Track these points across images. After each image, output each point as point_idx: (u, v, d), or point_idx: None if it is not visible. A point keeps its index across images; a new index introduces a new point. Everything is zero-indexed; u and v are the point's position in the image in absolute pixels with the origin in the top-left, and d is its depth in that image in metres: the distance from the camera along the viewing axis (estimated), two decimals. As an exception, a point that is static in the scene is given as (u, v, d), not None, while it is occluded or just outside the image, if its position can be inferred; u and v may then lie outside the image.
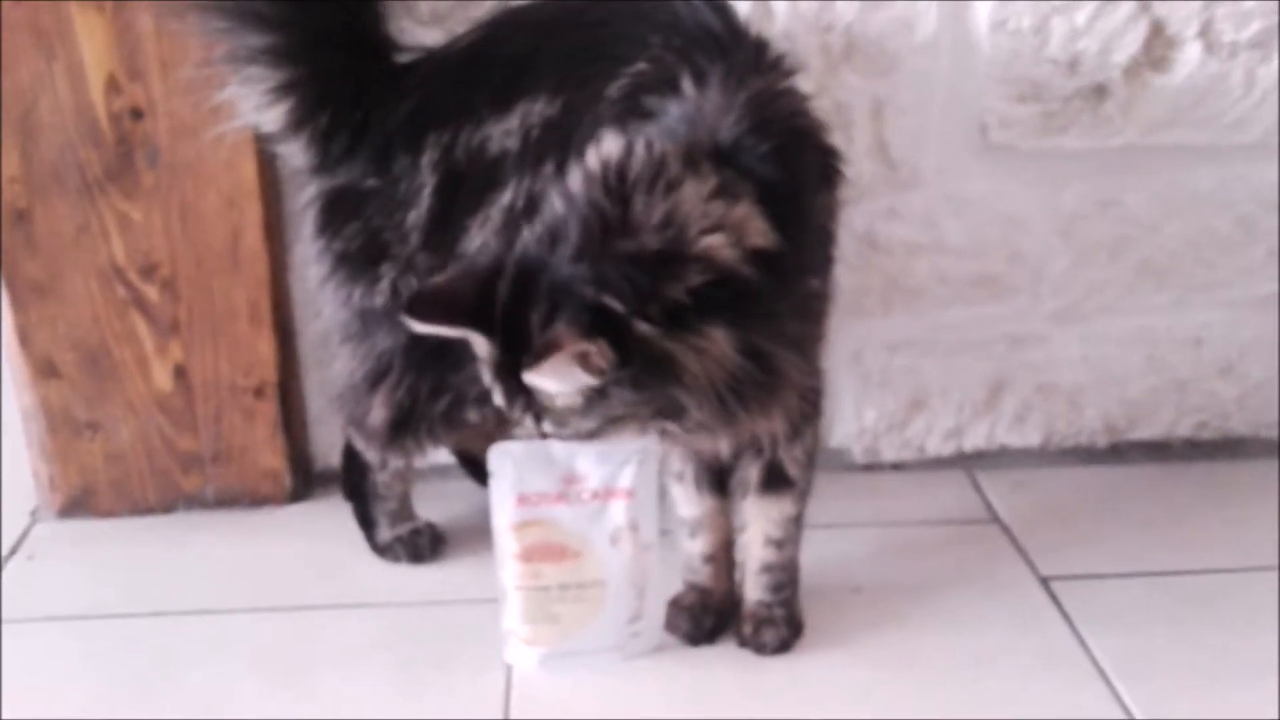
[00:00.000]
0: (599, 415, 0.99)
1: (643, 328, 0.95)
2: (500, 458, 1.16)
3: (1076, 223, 1.49)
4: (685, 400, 0.98)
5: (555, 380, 0.96)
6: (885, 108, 1.41)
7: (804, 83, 1.18)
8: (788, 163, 1.07)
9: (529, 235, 1.00)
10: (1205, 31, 1.40)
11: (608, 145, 1.01)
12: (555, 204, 1.00)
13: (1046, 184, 1.47)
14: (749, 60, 1.12)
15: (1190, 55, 1.41)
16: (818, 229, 1.14)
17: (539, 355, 0.93)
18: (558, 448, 1.15)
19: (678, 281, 0.95)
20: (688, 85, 1.08)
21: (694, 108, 1.07)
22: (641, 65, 1.13)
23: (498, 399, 1.04)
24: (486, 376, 1.04)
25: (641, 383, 0.96)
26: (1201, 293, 1.54)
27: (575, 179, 1.00)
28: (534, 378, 0.96)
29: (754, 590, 1.24)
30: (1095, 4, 1.37)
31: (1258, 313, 1.56)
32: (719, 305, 0.97)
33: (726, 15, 1.16)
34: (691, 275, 0.96)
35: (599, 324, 0.94)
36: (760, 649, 1.23)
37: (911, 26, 1.38)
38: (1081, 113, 1.42)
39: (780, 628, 1.23)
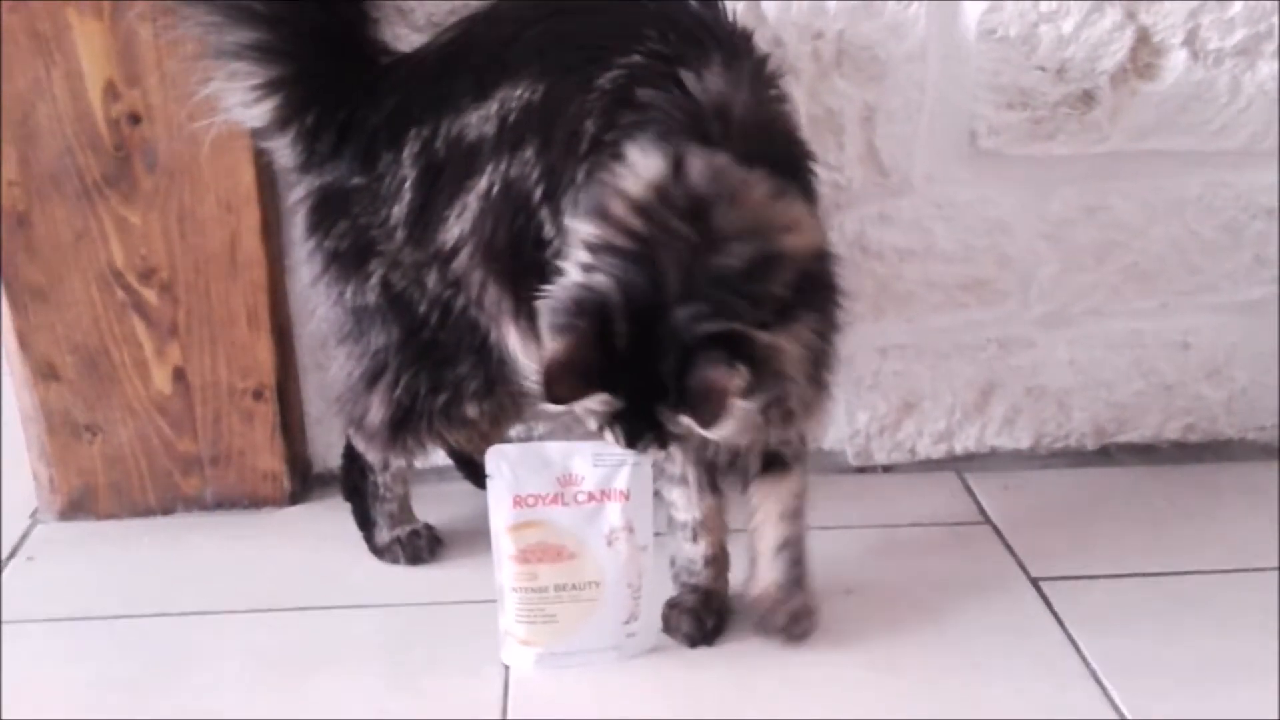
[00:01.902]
0: (732, 425, 1.00)
1: (764, 337, 0.98)
2: (496, 460, 1.17)
3: (1064, 228, 1.51)
4: (791, 388, 1.02)
5: (731, 423, 0.98)
6: (876, 114, 1.43)
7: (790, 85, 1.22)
8: (795, 165, 1.11)
9: (612, 282, 0.99)
10: (1191, 39, 1.42)
11: (650, 163, 1.02)
12: (618, 240, 1.00)
13: (1034, 189, 1.49)
14: (748, 59, 1.14)
15: (1176, 63, 1.43)
16: None
17: (712, 410, 0.96)
18: (554, 450, 1.16)
19: (776, 281, 1.00)
20: (694, 82, 1.09)
21: (708, 106, 1.08)
22: (636, 57, 1.13)
23: (617, 441, 1.05)
24: (594, 423, 1.04)
25: (766, 383, 0.99)
26: (1188, 297, 1.56)
27: (619, 206, 1.01)
28: (715, 431, 0.98)
29: (770, 572, 1.24)
30: (1082, 12, 1.39)
31: (1244, 317, 1.58)
32: (801, 294, 1.02)
33: (716, 10, 1.18)
34: (786, 272, 1.00)
35: (733, 351, 0.96)
36: (800, 638, 1.23)
37: (901, 34, 1.39)
38: (1069, 119, 1.44)
39: (812, 614, 1.24)
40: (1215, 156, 1.49)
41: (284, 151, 1.25)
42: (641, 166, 1.03)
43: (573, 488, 1.17)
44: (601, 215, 1.02)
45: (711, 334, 0.97)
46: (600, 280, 1.00)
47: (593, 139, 1.13)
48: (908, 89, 1.42)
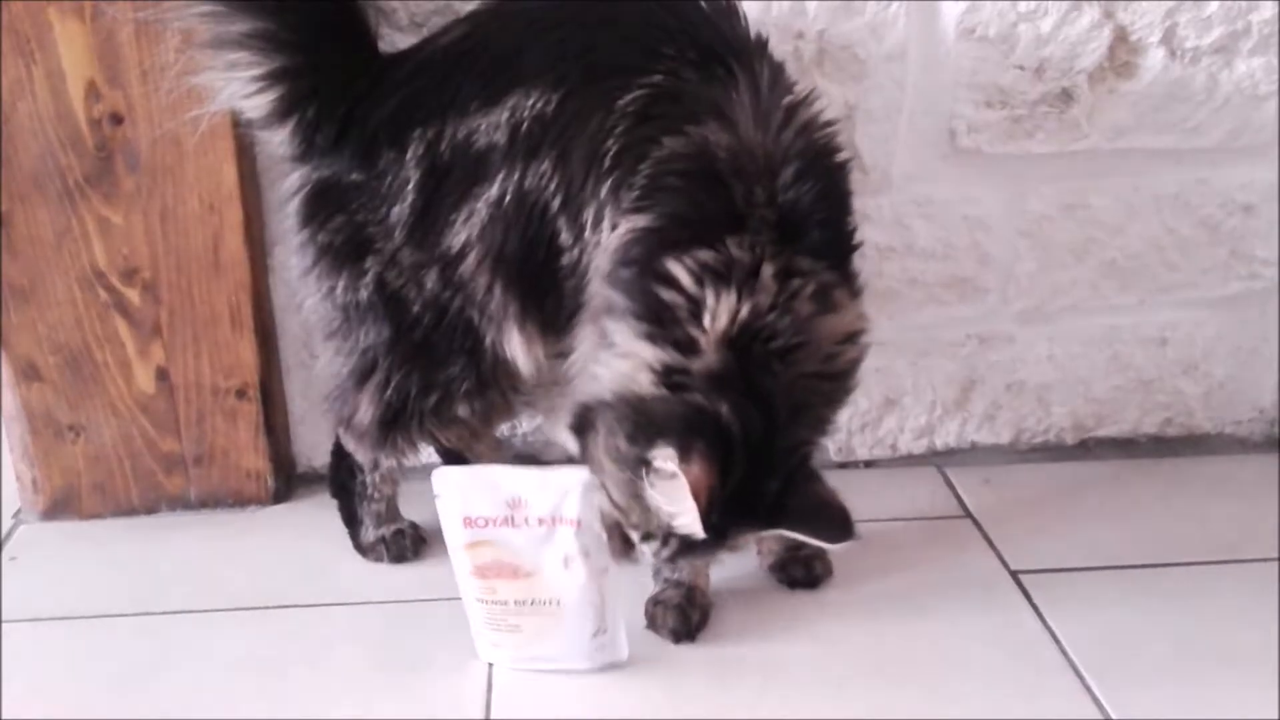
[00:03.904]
0: None
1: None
2: (443, 481, 1.15)
3: (1043, 225, 1.52)
4: None
5: None
6: (856, 113, 1.43)
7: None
8: (840, 228, 1.16)
9: (733, 417, 1.04)
10: (1168, 38, 1.43)
11: (726, 303, 1.06)
12: (721, 370, 1.05)
13: (1013, 187, 1.50)
14: (771, 72, 1.15)
15: (1153, 61, 1.44)
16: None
17: (847, 526, 1.09)
18: (500, 474, 1.15)
19: (842, 402, 1.15)
20: (715, 133, 1.10)
21: (749, 166, 1.10)
22: (656, 77, 1.13)
23: (664, 553, 1.11)
24: (654, 545, 1.11)
25: None
26: (1165, 293, 1.57)
27: (707, 341, 1.06)
28: (843, 545, 1.10)
29: (778, 541, 1.33)
30: (1060, 11, 1.40)
31: (1221, 312, 1.59)
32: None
33: (737, 23, 1.18)
34: (849, 387, 1.14)
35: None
36: (821, 578, 1.35)
37: (881, 34, 1.40)
38: (1048, 117, 1.45)
39: (824, 556, 1.34)
40: (1192, 154, 1.50)
41: (280, 142, 1.23)
42: (715, 300, 1.06)
43: (522, 511, 1.15)
44: (685, 347, 1.07)
45: (805, 455, 1.11)
46: (707, 405, 1.04)
47: (615, 157, 1.13)
48: (888, 88, 1.43)
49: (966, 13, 1.40)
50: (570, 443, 1.14)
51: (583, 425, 1.11)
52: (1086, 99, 1.45)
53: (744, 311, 1.06)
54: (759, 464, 1.05)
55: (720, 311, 1.06)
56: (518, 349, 1.23)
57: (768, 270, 1.07)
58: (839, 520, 1.09)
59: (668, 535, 1.09)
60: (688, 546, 1.09)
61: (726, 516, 1.05)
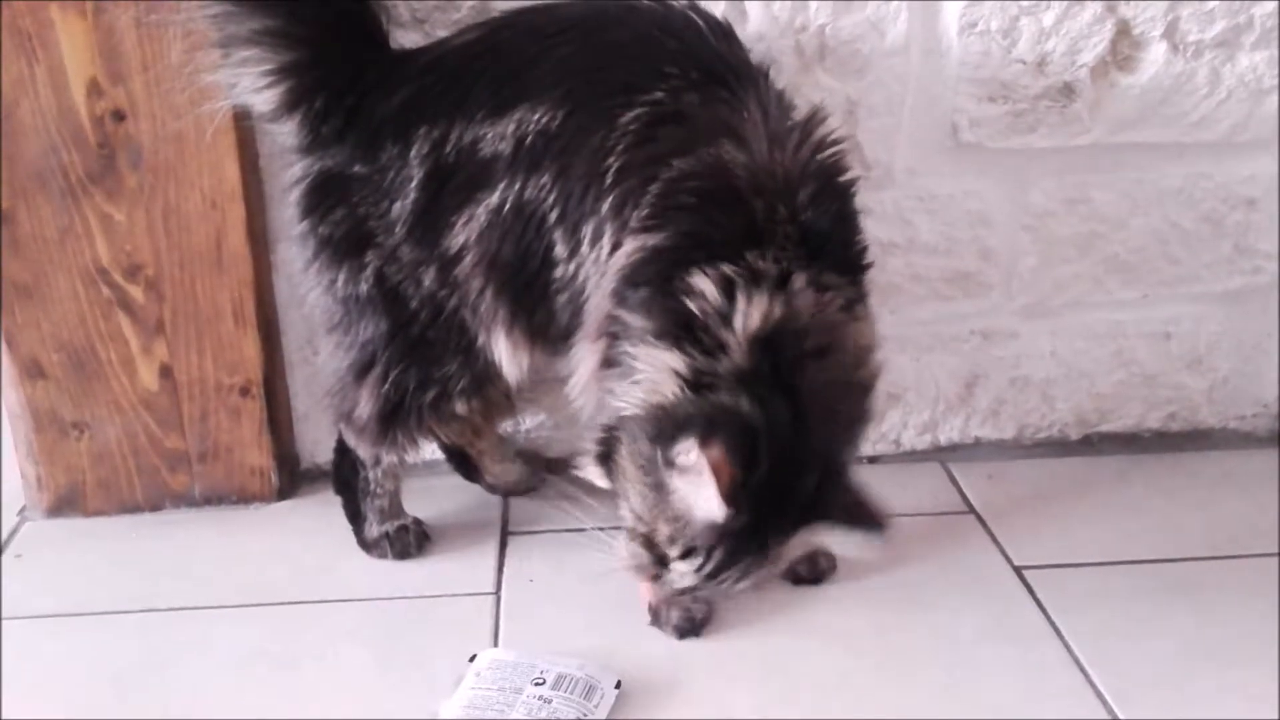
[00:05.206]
0: None
1: None
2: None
3: (1045, 220, 1.52)
4: None
5: None
6: (858, 108, 1.43)
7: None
8: (846, 214, 1.17)
9: (758, 412, 1.05)
10: (1170, 31, 1.43)
11: (758, 304, 1.07)
12: (752, 368, 1.06)
13: (1015, 182, 1.50)
14: (781, 100, 1.16)
15: (1156, 55, 1.44)
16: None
17: (885, 519, 1.11)
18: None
19: (868, 414, 1.16)
20: (730, 152, 1.11)
21: (768, 184, 1.10)
22: (658, 94, 1.14)
23: (707, 567, 1.11)
24: (683, 552, 1.11)
25: None
26: (1168, 288, 1.57)
27: (734, 341, 1.07)
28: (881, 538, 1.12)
29: None
30: (1062, 5, 1.40)
31: (1224, 306, 1.59)
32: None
33: (738, 47, 1.19)
34: (869, 400, 1.15)
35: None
36: (824, 574, 1.35)
37: (883, 29, 1.40)
38: (1050, 112, 1.45)
39: (828, 552, 1.33)
40: (1195, 148, 1.50)
41: (287, 133, 1.24)
42: (758, 310, 1.07)
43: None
44: (713, 350, 1.07)
45: (842, 463, 1.12)
46: (730, 401, 1.05)
47: (617, 174, 1.14)
48: (889, 83, 1.43)
49: (968, 7, 1.40)
50: (599, 477, 1.15)
51: (608, 448, 1.13)
52: (1089, 93, 1.44)
53: (777, 312, 1.07)
54: (791, 460, 1.06)
55: (752, 312, 1.07)
56: (504, 354, 1.24)
57: (799, 280, 1.09)
58: (874, 512, 1.11)
59: (712, 547, 1.09)
60: (730, 557, 1.10)
61: (763, 516, 1.06)
